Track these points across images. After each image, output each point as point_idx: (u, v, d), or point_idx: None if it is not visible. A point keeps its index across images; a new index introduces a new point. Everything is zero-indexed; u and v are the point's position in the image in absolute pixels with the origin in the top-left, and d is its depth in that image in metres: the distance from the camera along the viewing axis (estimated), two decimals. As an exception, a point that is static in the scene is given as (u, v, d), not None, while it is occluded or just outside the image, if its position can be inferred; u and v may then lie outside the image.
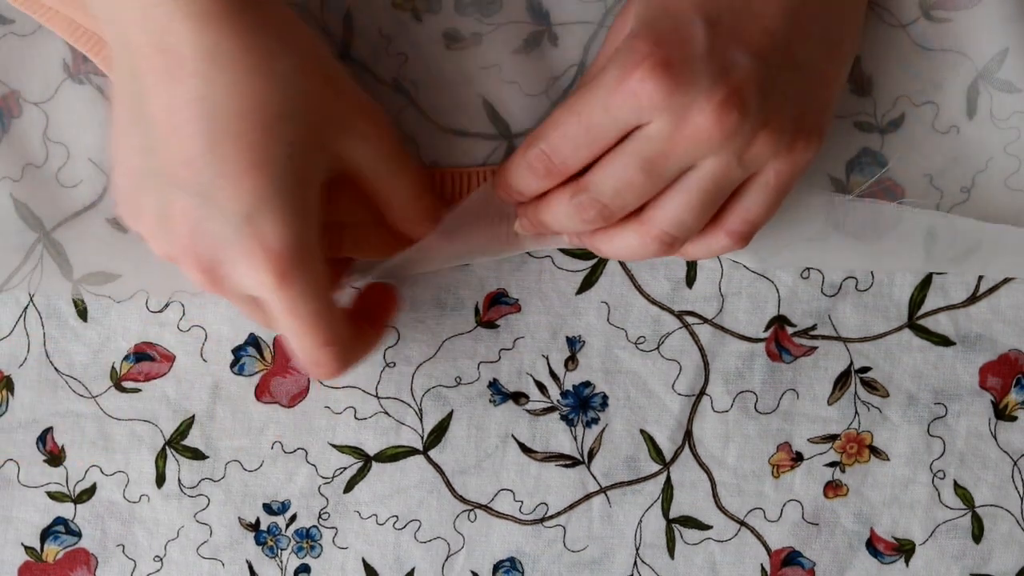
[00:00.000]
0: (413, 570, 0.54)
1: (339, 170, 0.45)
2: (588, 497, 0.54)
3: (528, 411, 0.53)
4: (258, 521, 0.53)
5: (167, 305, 0.52)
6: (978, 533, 0.54)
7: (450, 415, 0.53)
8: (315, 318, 0.44)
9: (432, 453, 0.53)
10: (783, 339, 0.53)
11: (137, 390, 0.53)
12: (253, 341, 0.53)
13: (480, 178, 0.51)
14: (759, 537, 0.54)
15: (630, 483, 0.54)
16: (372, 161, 0.46)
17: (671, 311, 0.53)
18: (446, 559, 0.54)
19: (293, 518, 0.53)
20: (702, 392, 0.53)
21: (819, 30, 0.45)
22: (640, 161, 0.43)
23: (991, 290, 0.53)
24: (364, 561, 0.53)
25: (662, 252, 0.46)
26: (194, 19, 0.40)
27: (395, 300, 0.51)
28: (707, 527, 0.54)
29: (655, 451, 0.53)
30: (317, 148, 0.43)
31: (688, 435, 0.53)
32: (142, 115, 0.42)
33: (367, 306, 0.51)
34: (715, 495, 0.54)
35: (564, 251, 0.52)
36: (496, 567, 0.54)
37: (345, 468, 0.53)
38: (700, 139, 0.42)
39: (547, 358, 0.53)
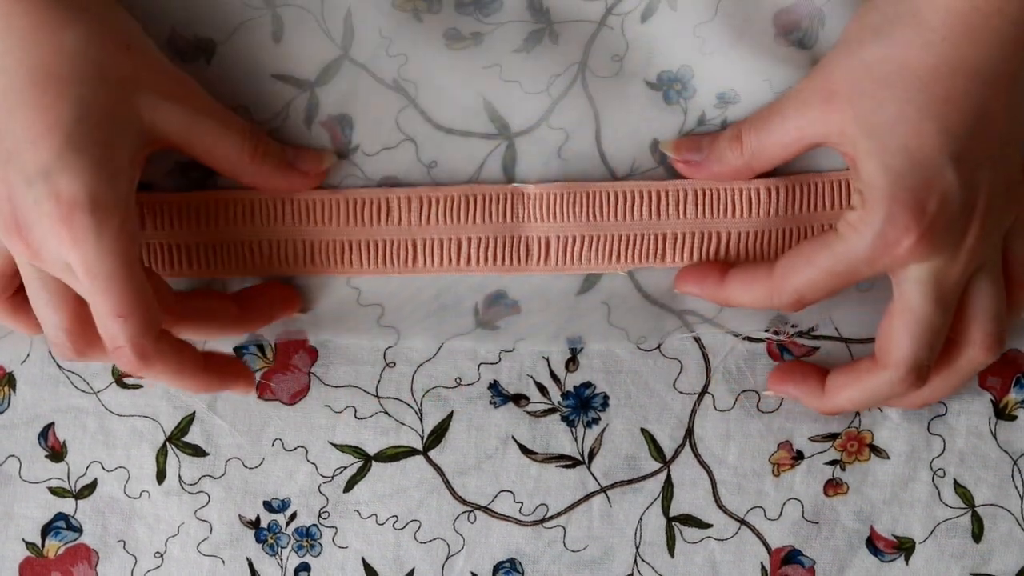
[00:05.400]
0: (413, 570, 0.53)
1: (161, 138, 0.47)
2: (588, 497, 0.54)
3: (529, 413, 0.53)
4: (258, 519, 0.53)
5: (169, 302, 0.52)
6: (978, 532, 0.54)
7: (450, 416, 0.53)
8: (113, 281, 0.44)
9: (432, 454, 0.53)
10: (784, 340, 0.53)
11: (138, 386, 0.53)
12: (255, 340, 0.53)
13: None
14: (759, 535, 0.54)
15: (630, 482, 0.53)
16: (185, 119, 0.47)
17: (672, 311, 0.53)
18: (446, 560, 0.54)
19: (293, 516, 0.53)
20: (704, 391, 0.53)
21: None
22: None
23: (990, 289, 0.53)
24: (364, 561, 0.53)
25: None
26: None
27: (293, 300, 0.52)
28: (707, 526, 0.54)
29: (655, 449, 0.53)
30: (119, 109, 0.45)
31: (689, 433, 0.53)
32: None
33: (256, 300, 0.51)
34: (715, 493, 0.54)
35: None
36: (496, 568, 0.54)
37: (345, 467, 0.53)
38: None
39: (547, 359, 0.53)
